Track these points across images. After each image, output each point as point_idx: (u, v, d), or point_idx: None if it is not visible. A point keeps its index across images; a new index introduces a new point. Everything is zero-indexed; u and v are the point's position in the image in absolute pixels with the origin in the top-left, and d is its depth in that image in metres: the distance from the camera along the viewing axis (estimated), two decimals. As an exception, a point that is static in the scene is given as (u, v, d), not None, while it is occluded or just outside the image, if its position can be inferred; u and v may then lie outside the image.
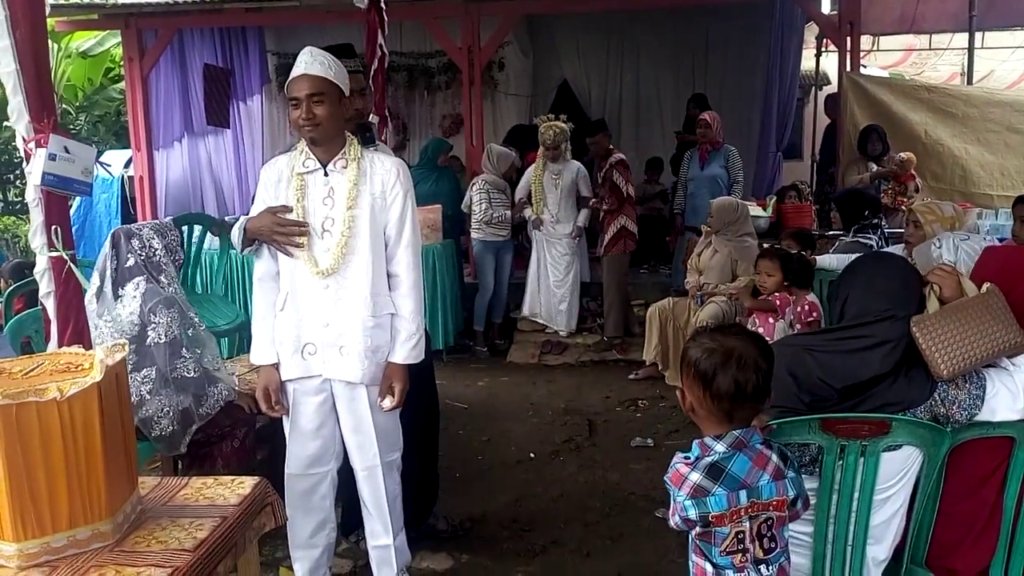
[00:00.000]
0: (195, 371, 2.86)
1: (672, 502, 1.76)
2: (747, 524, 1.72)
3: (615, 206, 6.04)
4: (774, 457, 1.76)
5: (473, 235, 6.34)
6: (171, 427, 2.79)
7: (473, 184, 6.36)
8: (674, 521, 1.75)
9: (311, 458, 2.69)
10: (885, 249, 4.25)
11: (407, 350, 2.66)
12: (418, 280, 2.68)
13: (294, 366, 2.62)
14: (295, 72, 2.52)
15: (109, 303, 2.90)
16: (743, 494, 1.71)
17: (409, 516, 2.91)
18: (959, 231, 3.43)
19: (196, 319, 3.01)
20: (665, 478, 1.78)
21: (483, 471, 4.12)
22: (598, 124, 6.23)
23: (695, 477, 1.71)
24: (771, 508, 1.73)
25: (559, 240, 6.23)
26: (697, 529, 1.72)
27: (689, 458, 1.76)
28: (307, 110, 2.48)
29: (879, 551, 2.04)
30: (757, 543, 1.73)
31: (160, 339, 2.82)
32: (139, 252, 2.94)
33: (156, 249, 2.97)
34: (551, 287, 6.31)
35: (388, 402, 2.64)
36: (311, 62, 2.51)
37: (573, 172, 6.18)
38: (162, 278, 2.94)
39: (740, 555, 1.72)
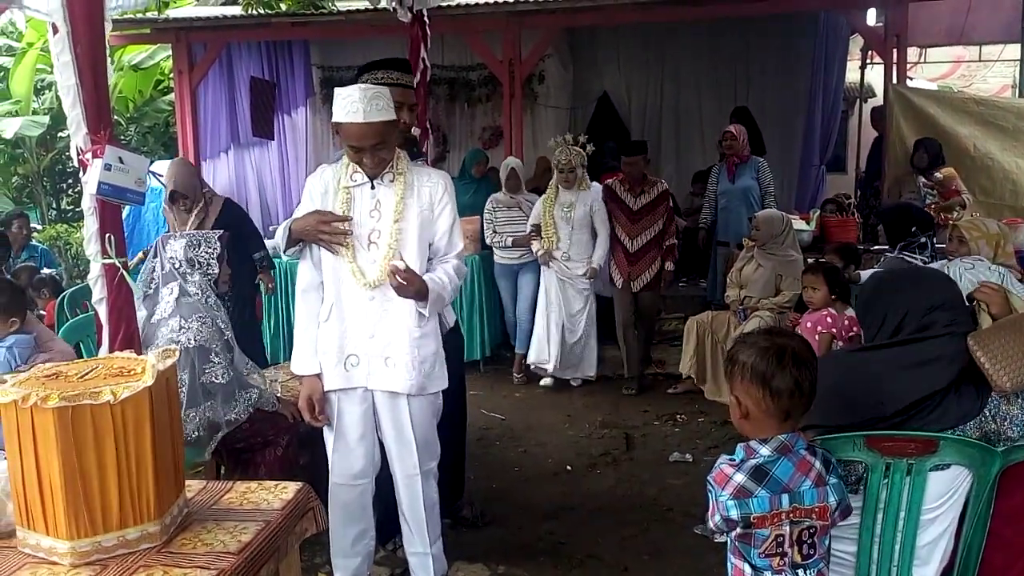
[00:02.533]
0: (223, 377, 2.92)
1: (713, 502, 1.79)
2: (787, 528, 1.75)
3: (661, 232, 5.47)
4: (817, 463, 1.78)
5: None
6: (197, 432, 2.85)
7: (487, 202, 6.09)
8: (713, 521, 1.79)
9: (356, 467, 2.72)
10: (930, 265, 4.16)
11: (433, 280, 2.55)
12: (458, 281, 2.68)
13: (336, 377, 2.65)
14: (352, 116, 2.41)
15: (156, 305, 3.02)
16: (785, 498, 1.74)
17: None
18: (967, 258, 3.40)
19: (224, 326, 3.06)
20: (708, 478, 1.81)
21: (519, 482, 4.11)
22: (640, 145, 6.00)
23: (739, 478, 1.75)
24: (813, 515, 1.76)
25: (571, 280, 5.49)
26: (738, 530, 1.75)
27: (734, 460, 1.80)
28: (372, 156, 2.49)
29: (925, 573, 2.00)
30: (796, 548, 1.76)
31: (190, 343, 2.89)
32: (172, 260, 3.04)
33: (180, 261, 3.04)
34: (563, 329, 5.52)
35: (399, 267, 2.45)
36: (369, 108, 2.40)
37: (587, 204, 5.40)
38: (190, 288, 3.01)
39: (778, 558, 1.75)
